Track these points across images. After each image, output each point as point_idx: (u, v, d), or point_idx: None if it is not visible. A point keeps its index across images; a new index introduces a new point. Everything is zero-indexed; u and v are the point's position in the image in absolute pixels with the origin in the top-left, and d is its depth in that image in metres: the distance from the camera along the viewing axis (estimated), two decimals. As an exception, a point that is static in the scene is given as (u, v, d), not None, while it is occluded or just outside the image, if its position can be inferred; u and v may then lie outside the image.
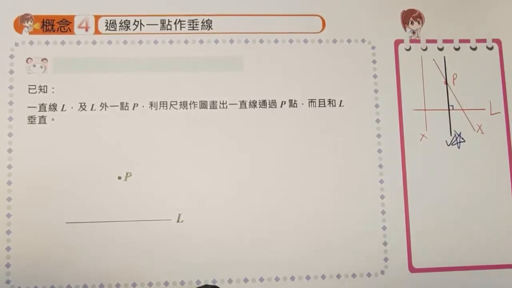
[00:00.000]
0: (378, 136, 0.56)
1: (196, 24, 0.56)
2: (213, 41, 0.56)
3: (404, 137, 0.56)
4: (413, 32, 0.58)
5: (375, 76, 0.57)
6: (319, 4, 0.57)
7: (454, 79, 0.57)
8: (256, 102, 0.55)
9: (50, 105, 0.54)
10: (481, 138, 0.57)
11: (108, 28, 0.55)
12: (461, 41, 0.58)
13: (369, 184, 0.55)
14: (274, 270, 0.53)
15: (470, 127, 0.57)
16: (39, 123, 0.53)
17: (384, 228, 0.55)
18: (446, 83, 0.57)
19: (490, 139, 0.57)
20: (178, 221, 0.53)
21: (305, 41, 0.57)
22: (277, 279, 0.53)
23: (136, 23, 0.56)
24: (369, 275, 0.54)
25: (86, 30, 0.55)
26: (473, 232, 0.55)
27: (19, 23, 0.55)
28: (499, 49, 0.58)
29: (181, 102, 0.55)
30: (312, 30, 0.57)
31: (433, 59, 0.58)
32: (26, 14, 0.55)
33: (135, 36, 0.55)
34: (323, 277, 0.53)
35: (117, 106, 0.54)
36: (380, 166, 0.55)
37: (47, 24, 0.55)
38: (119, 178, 0.53)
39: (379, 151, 0.56)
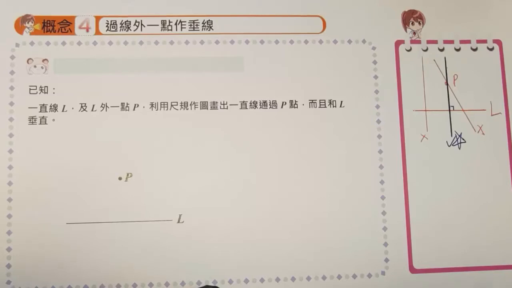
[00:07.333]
0: (379, 136, 0.56)
1: (197, 25, 0.56)
2: (214, 41, 0.56)
3: (405, 138, 0.56)
4: (414, 33, 0.58)
5: (375, 77, 0.57)
6: (320, 4, 0.57)
7: (454, 79, 0.57)
8: (256, 102, 0.55)
9: (50, 106, 0.54)
10: (482, 139, 0.57)
11: (109, 29, 0.55)
12: (461, 41, 0.58)
13: (369, 184, 0.55)
14: (275, 271, 0.53)
15: (470, 127, 0.57)
16: (40, 123, 0.53)
17: (384, 228, 0.55)
18: (447, 84, 0.57)
19: (491, 140, 0.57)
20: (178, 222, 0.53)
21: (306, 41, 0.57)
22: (277, 279, 0.53)
23: (137, 23, 0.56)
24: (369, 275, 0.54)
25: (87, 30, 0.55)
26: (473, 232, 0.55)
27: (20, 24, 0.55)
28: (500, 50, 0.58)
29: (181, 103, 0.55)
30: (312, 30, 0.57)
31: (434, 60, 0.58)
32: (27, 15, 0.55)
33: (135, 36, 0.55)
34: (324, 277, 0.53)
35: (118, 106, 0.54)
36: (381, 166, 0.55)
37: (48, 25, 0.55)
38: (120, 178, 0.53)
39: (380, 151, 0.56)
